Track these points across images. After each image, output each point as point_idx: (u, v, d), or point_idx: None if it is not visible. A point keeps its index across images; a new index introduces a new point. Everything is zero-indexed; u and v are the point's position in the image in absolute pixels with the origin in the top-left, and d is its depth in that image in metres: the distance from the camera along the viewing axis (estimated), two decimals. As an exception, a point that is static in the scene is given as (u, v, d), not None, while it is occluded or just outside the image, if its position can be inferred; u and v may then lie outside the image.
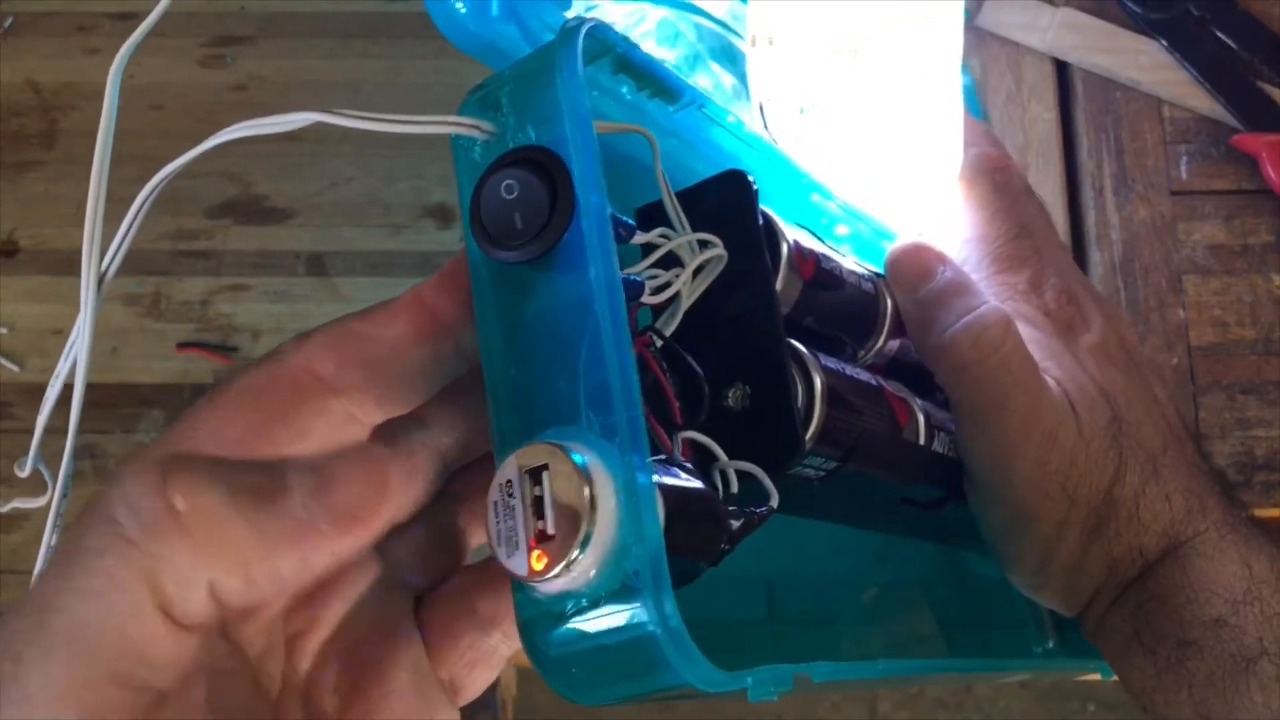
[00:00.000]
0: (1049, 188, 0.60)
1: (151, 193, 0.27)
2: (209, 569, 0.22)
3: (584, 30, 0.26)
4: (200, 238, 0.56)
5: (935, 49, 0.41)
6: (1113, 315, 0.38)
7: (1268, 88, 0.59)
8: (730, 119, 0.35)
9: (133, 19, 0.37)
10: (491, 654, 0.27)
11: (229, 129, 0.25)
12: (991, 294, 0.37)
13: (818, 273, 0.33)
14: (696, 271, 0.30)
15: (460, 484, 0.28)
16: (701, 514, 0.25)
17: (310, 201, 0.59)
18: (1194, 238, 0.58)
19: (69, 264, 0.57)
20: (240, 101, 0.58)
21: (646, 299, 0.28)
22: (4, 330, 0.56)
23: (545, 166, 0.25)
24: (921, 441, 0.36)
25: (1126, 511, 0.34)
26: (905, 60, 0.40)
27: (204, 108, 0.58)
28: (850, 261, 0.36)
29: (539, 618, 0.24)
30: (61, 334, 0.55)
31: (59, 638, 0.21)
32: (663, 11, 0.42)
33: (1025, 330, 0.36)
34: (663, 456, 0.26)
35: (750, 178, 0.31)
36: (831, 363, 0.32)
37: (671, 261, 0.30)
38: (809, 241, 0.34)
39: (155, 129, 0.57)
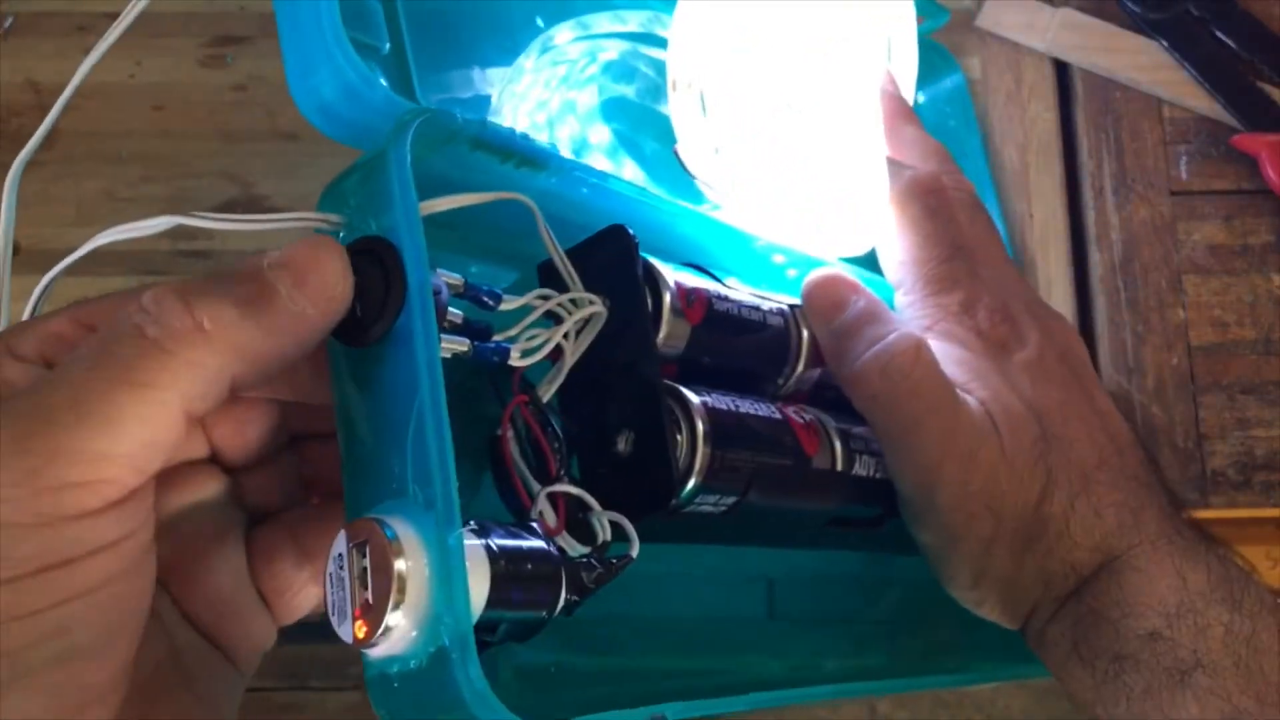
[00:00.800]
0: (1049, 188, 0.60)
1: (45, 289, 0.32)
2: (233, 367, 0.25)
3: (416, 124, 0.27)
4: (200, 237, 0.56)
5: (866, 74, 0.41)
6: (1054, 330, 0.38)
7: (1267, 88, 0.59)
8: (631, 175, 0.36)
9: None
10: (304, 585, 0.31)
11: (104, 233, 0.29)
12: (925, 317, 0.38)
13: (709, 315, 0.34)
14: (581, 328, 0.32)
15: (310, 450, 0.32)
16: (533, 575, 0.27)
17: (311, 202, 0.58)
18: (1194, 238, 0.58)
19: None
20: (241, 101, 0.58)
21: (514, 362, 0.30)
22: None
23: (380, 256, 0.27)
24: (839, 467, 0.36)
25: (1056, 528, 0.34)
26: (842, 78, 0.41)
27: (205, 108, 0.58)
28: (757, 297, 0.37)
29: (377, 677, 0.25)
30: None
31: (97, 419, 0.24)
32: (613, 51, 0.42)
33: (954, 351, 0.37)
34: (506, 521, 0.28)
35: (629, 231, 0.33)
36: (723, 402, 0.34)
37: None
38: (701, 285, 0.35)
39: (158, 130, 0.57)
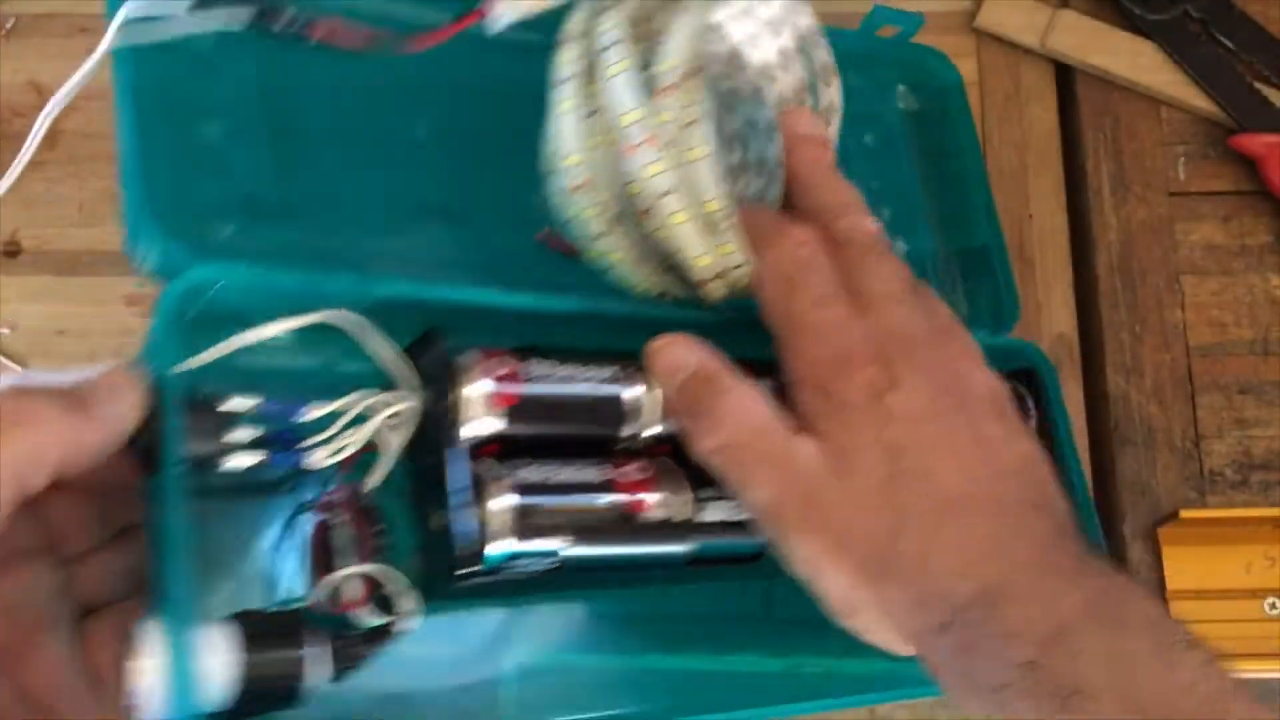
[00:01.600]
0: (1048, 189, 0.60)
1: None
2: (54, 450, 0.30)
3: (182, 288, 0.34)
4: (202, 238, 0.57)
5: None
6: (936, 366, 0.38)
7: (1265, 89, 0.59)
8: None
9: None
10: (132, 673, 0.33)
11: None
12: (794, 370, 0.38)
13: (522, 401, 0.38)
14: (402, 422, 0.37)
15: (139, 542, 0.34)
16: (276, 661, 0.33)
17: (312, 202, 0.59)
18: (1191, 238, 0.59)
19: (72, 265, 0.57)
20: (242, 102, 0.58)
21: (319, 464, 0.35)
22: (6, 331, 0.56)
23: (154, 412, 0.32)
24: (682, 517, 0.40)
25: (914, 562, 0.34)
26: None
27: (206, 108, 0.58)
28: (589, 368, 0.40)
29: None
30: (65, 334, 0.56)
31: None
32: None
33: (808, 398, 0.37)
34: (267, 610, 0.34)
35: (438, 332, 0.37)
36: (538, 472, 0.38)
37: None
38: (515, 371, 0.38)
39: (158, 130, 0.58)
